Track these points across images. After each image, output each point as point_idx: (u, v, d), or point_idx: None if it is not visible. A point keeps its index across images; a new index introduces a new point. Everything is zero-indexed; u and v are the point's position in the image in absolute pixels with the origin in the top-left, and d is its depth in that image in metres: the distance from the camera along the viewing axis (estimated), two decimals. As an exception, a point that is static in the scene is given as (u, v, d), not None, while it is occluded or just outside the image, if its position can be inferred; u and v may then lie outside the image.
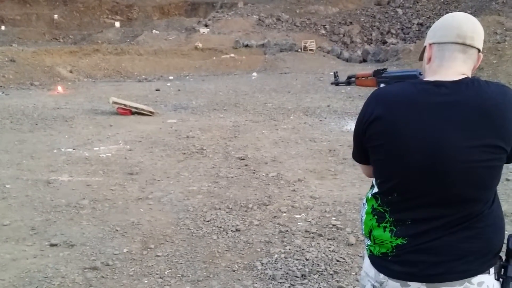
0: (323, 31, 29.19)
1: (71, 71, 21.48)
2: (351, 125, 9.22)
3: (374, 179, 1.54)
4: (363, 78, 2.02)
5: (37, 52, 21.91)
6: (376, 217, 1.50)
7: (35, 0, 41.18)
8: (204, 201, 4.93)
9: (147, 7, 41.44)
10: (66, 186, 5.46)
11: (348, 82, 2.20)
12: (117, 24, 37.67)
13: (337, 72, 2.56)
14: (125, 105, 11.10)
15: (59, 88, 16.23)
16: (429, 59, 1.47)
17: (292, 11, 32.18)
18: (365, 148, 1.50)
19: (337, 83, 2.44)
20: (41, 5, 40.98)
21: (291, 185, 5.52)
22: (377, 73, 1.93)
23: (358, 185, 5.50)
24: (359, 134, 1.50)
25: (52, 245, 3.82)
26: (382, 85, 1.81)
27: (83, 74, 21.57)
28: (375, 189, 1.51)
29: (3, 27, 36.69)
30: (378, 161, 1.46)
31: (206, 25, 31.73)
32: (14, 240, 3.92)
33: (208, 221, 4.36)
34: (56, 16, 39.50)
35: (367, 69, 20.55)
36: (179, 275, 3.38)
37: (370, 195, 1.54)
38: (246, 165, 6.37)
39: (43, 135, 8.64)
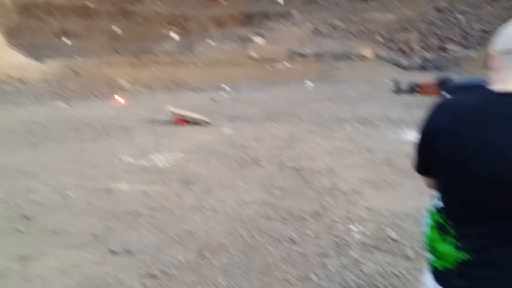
0: (379, 39, 28.68)
1: (130, 82, 22.25)
2: (408, 135, 8.98)
3: (438, 192, 1.49)
4: (426, 86, 1.95)
5: (99, 64, 22.88)
6: (439, 231, 1.44)
7: (97, 14, 43.02)
8: (259, 211, 4.93)
9: (203, 18, 42.31)
10: (125, 194, 5.62)
11: (410, 90, 2.14)
12: (175, 35, 38.70)
13: (398, 80, 2.49)
14: (181, 115, 11.34)
15: (120, 99, 16.81)
16: (496, 68, 1.40)
17: (347, 19, 31.85)
18: (428, 160, 1.45)
19: (398, 92, 2.37)
20: (103, 18, 42.73)
21: (347, 196, 5.43)
22: (441, 82, 1.86)
23: (417, 197, 5.33)
24: (422, 145, 1.46)
25: (112, 252, 3.93)
26: (446, 94, 1.74)
27: (142, 85, 22.27)
28: (439, 203, 1.46)
29: (67, 41, 38.54)
30: (443, 174, 1.41)
31: (260, 35, 31.99)
32: (76, 247, 4.07)
33: (263, 231, 4.36)
34: (116, 29, 41.02)
35: (427, 76, 20.00)
36: (235, 285, 3.39)
37: (433, 209, 1.49)
38: (300, 175, 6.33)
39: (104, 144, 8.97)
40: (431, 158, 1.43)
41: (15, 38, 36.61)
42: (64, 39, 38.77)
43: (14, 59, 23.88)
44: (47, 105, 16.48)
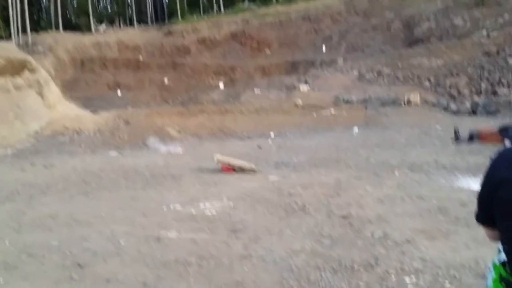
0: (427, 84, 28.34)
1: (179, 131, 22.80)
2: (462, 182, 8.67)
3: (501, 244, 1.41)
4: (488, 134, 1.88)
5: (149, 114, 23.65)
6: (505, 285, 1.37)
7: (147, 67, 44.85)
8: (308, 261, 4.83)
9: (249, 68, 43.29)
10: (174, 242, 5.66)
11: (471, 139, 2.07)
12: (221, 85, 39.67)
13: (458, 128, 2.43)
14: (228, 162, 11.45)
15: (179, 149, 17.17)
16: None
17: (393, 64, 31.77)
18: (491, 210, 1.39)
19: (458, 140, 2.30)
20: (153, 70, 44.48)
21: (399, 245, 5.24)
22: (503, 130, 1.79)
23: (474, 247, 5.08)
24: (484, 196, 1.40)
25: (161, 301, 3.93)
26: (508, 141, 1.67)
27: (189, 134, 22.75)
28: (503, 256, 1.39)
29: (119, 92, 40.21)
30: (506, 227, 1.35)
31: (306, 83, 32.29)
32: (127, 295, 4.10)
33: (312, 282, 4.25)
34: (166, 80, 42.50)
35: (487, 124, 19.48)
36: None
37: (497, 262, 1.42)
38: (350, 224, 6.19)
39: (154, 192, 9.13)
40: (494, 209, 1.37)
41: (71, 91, 38.58)
42: (117, 90, 40.48)
43: (70, 110, 25.08)
44: (100, 154, 17.06)
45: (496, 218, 1.38)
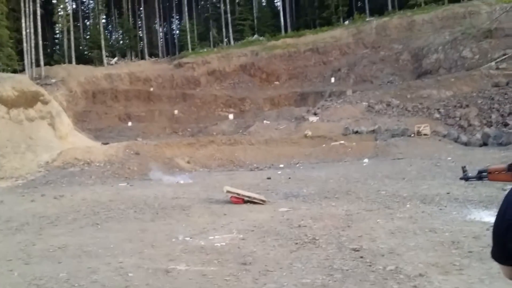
0: (437, 115, 28.32)
1: (188, 162, 22.87)
2: (475, 214, 8.55)
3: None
4: (497, 172, 1.86)
5: (159, 145, 23.78)
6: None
7: (158, 99, 45.36)
8: (319, 295, 4.74)
9: (258, 99, 43.61)
10: (184, 275, 5.60)
11: (480, 177, 2.05)
12: (231, 116, 39.96)
13: (465, 166, 2.40)
14: (238, 194, 11.42)
15: (187, 179, 17.21)
16: None
17: (402, 96, 31.86)
18: (506, 248, 1.36)
19: (466, 179, 2.28)
20: (163, 102, 44.96)
21: (412, 280, 5.14)
22: None
23: (488, 281, 4.97)
24: (500, 234, 1.38)
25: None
26: None
27: (199, 164, 22.81)
28: None
29: (130, 123, 40.59)
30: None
31: (315, 114, 32.43)
32: (135, 329, 4.03)
33: (324, 317, 4.16)
34: (176, 112, 42.88)
35: (490, 153, 19.34)
36: None
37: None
38: (361, 257, 6.10)
39: (162, 224, 9.09)
40: (510, 247, 1.34)
41: (82, 122, 39.04)
42: (127, 122, 40.88)
43: (81, 142, 25.31)
44: (109, 185, 17.10)
45: None
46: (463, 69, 34.84)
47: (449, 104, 29.11)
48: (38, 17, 47.16)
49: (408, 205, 9.90)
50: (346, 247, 6.64)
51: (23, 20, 45.03)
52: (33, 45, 45.37)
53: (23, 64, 44.89)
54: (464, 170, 2.28)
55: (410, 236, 7.18)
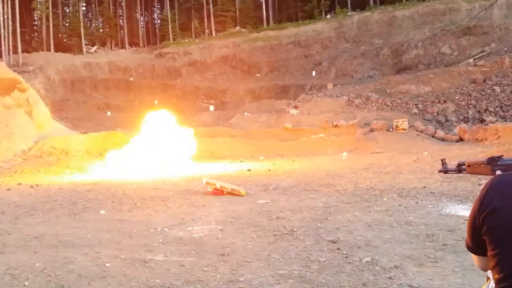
0: (415, 110, 28.68)
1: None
2: (450, 208, 8.71)
3: (491, 273, 1.42)
4: (476, 166, 1.90)
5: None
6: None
7: (138, 89, 44.84)
8: (296, 286, 4.79)
9: (239, 91, 43.49)
10: (161, 266, 5.59)
11: (459, 170, 2.09)
12: (211, 107, 39.79)
13: (444, 159, 2.45)
14: (217, 185, 11.42)
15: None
16: None
17: (382, 91, 32.14)
18: (481, 239, 1.40)
19: (445, 171, 2.32)
20: (143, 92, 44.45)
21: (387, 271, 5.23)
22: (492, 161, 1.81)
23: (461, 273, 5.08)
24: (474, 225, 1.42)
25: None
26: (498, 171, 1.69)
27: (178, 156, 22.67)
28: (492, 284, 1.39)
29: (109, 113, 40.12)
30: (497, 256, 1.36)
31: (295, 107, 32.51)
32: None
33: (300, 308, 4.21)
34: (156, 102, 42.48)
35: (466, 148, 19.67)
36: None
37: (486, 290, 1.42)
38: (338, 249, 6.17)
39: (141, 214, 9.05)
40: (484, 238, 1.38)
41: (60, 111, 38.43)
42: (106, 111, 40.40)
43: (59, 131, 24.94)
44: (87, 175, 16.93)
45: (487, 246, 1.39)
46: (442, 65, 35.31)
47: (427, 100, 29.51)
48: (16, 3, 46.11)
49: (385, 198, 10.04)
50: (323, 239, 6.71)
51: (0, 6, 44.02)
52: (10, 31, 44.40)
53: (0, 51, 43.94)
54: (443, 163, 2.33)
55: (386, 228, 7.29)
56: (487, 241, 1.37)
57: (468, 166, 1.95)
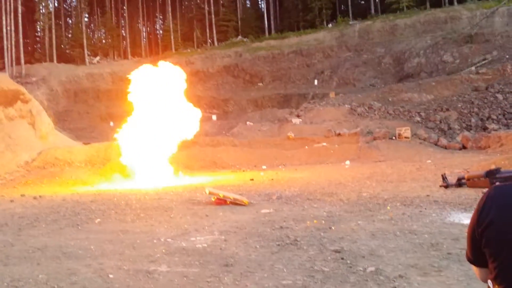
0: (418, 118, 28.69)
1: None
2: (454, 217, 8.67)
3: (491, 283, 1.42)
4: (475, 179, 1.91)
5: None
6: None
7: (142, 98, 44.97)
8: (300, 297, 4.77)
9: (242, 100, 43.62)
10: (165, 277, 5.57)
11: (459, 184, 2.09)
12: (214, 117, 39.89)
13: (445, 174, 2.45)
14: (220, 195, 11.40)
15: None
16: None
17: (384, 99, 32.20)
18: (481, 251, 1.40)
19: (446, 186, 2.32)
20: (147, 102, 44.57)
21: (392, 281, 5.20)
22: (490, 174, 1.82)
23: (466, 283, 5.05)
24: (474, 236, 1.42)
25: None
26: (496, 185, 1.69)
27: (181, 165, 22.69)
28: None
29: (112, 123, 40.25)
30: (497, 267, 1.35)
31: (298, 116, 32.56)
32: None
33: (304, 318, 4.18)
34: (159, 112, 42.51)
35: (469, 156, 19.63)
36: None
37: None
38: (342, 258, 6.14)
39: (144, 225, 9.04)
40: (484, 250, 1.38)
41: (63, 122, 38.57)
42: (109, 122, 40.50)
43: (62, 141, 25.00)
44: (90, 186, 16.94)
45: (487, 258, 1.39)
46: (444, 73, 35.38)
47: (429, 108, 29.52)
48: (19, 15, 46.49)
49: (388, 207, 9.99)
50: (327, 249, 6.68)
51: (3, 17, 44.34)
52: (13, 43, 44.72)
53: (3, 62, 44.19)
54: (444, 177, 2.33)
55: (390, 237, 7.26)
56: (487, 253, 1.37)
57: (468, 180, 1.95)
